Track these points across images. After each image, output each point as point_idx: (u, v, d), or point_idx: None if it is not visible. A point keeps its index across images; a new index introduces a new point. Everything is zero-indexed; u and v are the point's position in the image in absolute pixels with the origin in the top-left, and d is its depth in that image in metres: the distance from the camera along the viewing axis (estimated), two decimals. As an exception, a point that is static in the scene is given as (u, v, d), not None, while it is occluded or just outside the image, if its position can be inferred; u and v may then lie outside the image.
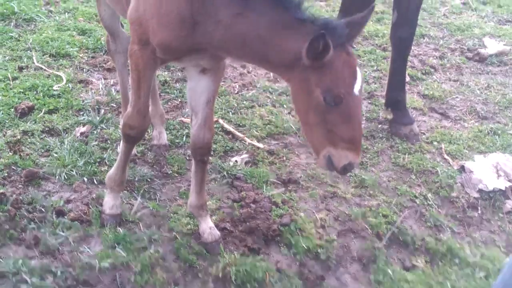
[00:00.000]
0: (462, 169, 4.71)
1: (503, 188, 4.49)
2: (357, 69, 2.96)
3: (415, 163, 4.75)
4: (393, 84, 5.19)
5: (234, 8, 2.98)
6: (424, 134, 5.20)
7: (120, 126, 4.44)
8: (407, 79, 5.97)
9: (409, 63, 6.29)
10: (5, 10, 5.91)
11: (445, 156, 4.91)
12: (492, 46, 6.73)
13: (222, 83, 5.47)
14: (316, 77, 2.94)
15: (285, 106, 5.31)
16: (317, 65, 2.91)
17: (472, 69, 6.42)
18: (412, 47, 6.63)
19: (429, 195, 4.44)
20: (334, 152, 3.03)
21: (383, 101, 5.56)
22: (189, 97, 3.68)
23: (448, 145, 5.04)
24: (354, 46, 6.46)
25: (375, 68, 6.16)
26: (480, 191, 4.51)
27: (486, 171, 4.61)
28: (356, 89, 2.94)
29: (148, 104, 3.71)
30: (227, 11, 2.99)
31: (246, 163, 4.55)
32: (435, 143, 5.07)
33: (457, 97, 5.81)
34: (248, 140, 4.77)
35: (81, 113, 4.75)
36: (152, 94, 4.43)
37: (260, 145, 4.75)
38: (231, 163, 4.48)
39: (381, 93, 5.73)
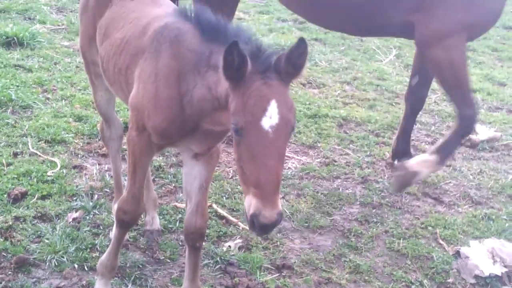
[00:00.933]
0: (457, 254, 4.67)
1: (499, 274, 4.44)
2: (272, 102, 2.70)
3: (410, 248, 4.72)
4: (403, 138, 5.89)
5: (202, 69, 3.05)
6: (418, 219, 5.18)
7: (113, 211, 4.45)
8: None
9: (401, 149, 6.37)
10: (2, 97, 6.00)
11: (440, 241, 4.88)
12: (483, 132, 6.82)
13: (217, 168, 5.49)
14: (232, 102, 2.81)
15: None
16: (236, 87, 2.77)
17: (464, 155, 6.48)
18: (404, 133, 6.75)
19: (425, 281, 4.38)
20: (246, 200, 2.75)
21: (377, 186, 5.60)
22: (184, 182, 3.72)
23: (442, 230, 5.02)
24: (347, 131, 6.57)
25: (368, 153, 6.22)
26: (476, 277, 4.45)
27: (482, 256, 4.57)
28: (266, 123, 2.69)
29: (143, 190, 3.73)
30: (199, 74, 3.06)
31: (239, 248, 4.50)
32: (429, 228, 5.05)
33: (450, 182, 5.84)
34: (241, 225, 4.74)
35: (74, 198, 4.74)
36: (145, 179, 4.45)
37: (254, 231, 4.71)
38: (224, 249, 4.44)
39: (374, 177, 5.76)
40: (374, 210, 5.22)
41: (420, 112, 7.31)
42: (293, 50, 2.76)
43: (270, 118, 2.69)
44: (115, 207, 4.42)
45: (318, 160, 5.98)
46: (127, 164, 5.14)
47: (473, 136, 6.78)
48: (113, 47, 3.70)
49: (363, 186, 5.61)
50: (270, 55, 2.83)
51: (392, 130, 6.80)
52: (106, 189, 4.92)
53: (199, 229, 3.65)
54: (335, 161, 5.99)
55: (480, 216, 5.27)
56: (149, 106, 3.25)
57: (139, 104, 3.31)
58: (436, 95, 8.07)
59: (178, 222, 4.64)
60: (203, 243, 3.90)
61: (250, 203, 2.71)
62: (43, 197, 4.68)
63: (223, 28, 3.08)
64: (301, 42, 2.75)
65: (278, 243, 4.62)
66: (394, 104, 7.61)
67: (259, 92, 2.72)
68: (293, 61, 2.78)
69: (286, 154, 5.98)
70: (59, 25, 8.56)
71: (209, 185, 3.73)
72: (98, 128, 4.78)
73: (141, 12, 3.72)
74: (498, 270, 4.46)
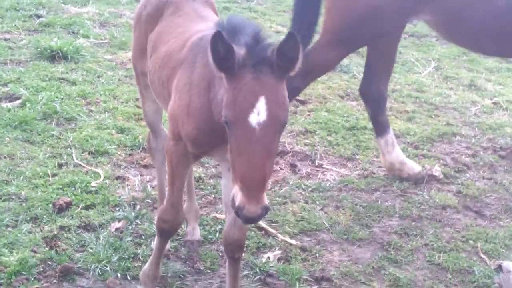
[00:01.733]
0: (499, 268, 4.60)
1: (543, 289, 4.37)
2: (261, 99, 2.74)
3: (451, 261, 4.68)
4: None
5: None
6: (459, 232, 5.13)
7: (155, 221, 4.53)
8: (441, 176, 5.96)
9: (441, 161, 6.33)
10: (47, 110, 6.17)
11: (482, 255, 4.82)
12: (525, 144, 6.73)
13: (255, 180, 5.54)
14: (225, 94, 2.87)
15: (317, 202, 5.34)
16: (229, 79, 2.82)
17: (505, 168, 6.38)
18: (444, 145, 6.72)
19: (467, 295, 4.34)
20: (234, 188, 2.84)
21: (417, 198, 5.57)
22: (223, 193, 3.79)
23: (484, 243, 4.96)
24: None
25: (407, 166, 6.17)
26: (519, 291, 4.38)
27: (524, 271, 4.50)
28: (253, 120, 2.73)
29: (182, 199, 3.80)
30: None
31: (278, 259, 4.53)
32: (470, 241, 5.00)
33: (491, 195, 5.76)
34: (280, 237, 4.78)
35: (117, 208, 4.84)
36: (188, 190, 4.55)
37: (293, 242, 4.74)
38: (264, 260, 4.47)
39: (414, 190, 5.73)
40: (413, 223, 5.19)
41: (460, 124, 7.30)
42: (283, 43, 2.76)
43: (258, 115, 2.73)
44: (157, 217, 4.52)
45: (357, 172, 5.98)
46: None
47: (514, 148, 6.70)
48: (159, 60, 3.80)
49: (402, 199, 5.58)
50: (264, 47, 2.85)
51: (432, 143, 6.76)
52: (148, 200, 5.01)
53: (237, 240, 3.70)
54: (374, 173, 5.98)
55: (523, 230, 5.19)
56: (182, 114, 3.34)
57: (175, 114, 3.41)
58: (476, 107, 7.99)
59: (218, 232, 4.69)
60: (243, 254, 3.94)
61: (236, 194, 2.79)
62: (87, 207, 4.79)
63: (240, 29, 3.07)
64: (291, 36, 2.74)
65: (317, 255, 4.63)
66: (433, 116, 7.55)
67: (249, 87, 2.76)
68: (284, 55, 2.79)
69: (325, 165, 6.01)
70: (101, 39, 8.75)
71: None
72: (145, 139, 4.87)
73: (186, 27, 3.83)
74: (542, 285, 4.40)
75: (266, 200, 2.80)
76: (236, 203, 2.79)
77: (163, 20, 4.08)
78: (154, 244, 4.26)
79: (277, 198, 5.32)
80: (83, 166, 5.36)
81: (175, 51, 3.66)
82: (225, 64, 2.80)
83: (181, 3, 4.07)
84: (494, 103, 8.28)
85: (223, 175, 3.80)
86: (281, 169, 5.89)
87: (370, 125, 6.94)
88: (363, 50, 9.88)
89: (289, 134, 6.55)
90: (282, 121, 2.82)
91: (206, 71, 3.24)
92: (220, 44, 2.75)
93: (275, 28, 10.65)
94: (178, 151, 3.50)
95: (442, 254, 4.77)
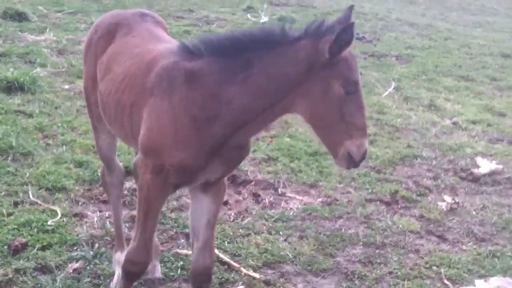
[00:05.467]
0: (463, 295, 4.62)
1: (507, 315, 4.38)
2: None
3: (415, 289, 4.67)
4: None
5: (239, 76, 3.19)
6: (422, 258, 5.13)
7: (114, 261, 4.41)
8: (402, 202, 5.97)
9: (403, 185, 6.34)
10: (3, 145, 6.00)
11: (445, 281, 4.82)
12: (484, 166, 6.80)
13: (218, 211, 5.48)
14: (334, 72, 3.14)
15: (281, 233, 5.28)
16: (334, 60, 3.12)
17: (466, 190, 6.44)
18: (406, 169, 6.75)
19: (431, 324, 4.32)
20: (352, 144, 3.21)
21: (380, 224, 5.56)
22: (191, 220, 3.72)
23: (447, 269, 4.96)
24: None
25: (370, 191, 6.19)
26: (483, 318, 4.39)
27: (487, 296, 4.51)
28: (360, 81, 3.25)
29: (153, 238, 3.70)
30: (235, 83, 3.19)
31: (242, 295, 4.47)
32: (434, 267, 4.99)
33: (453, 219, 5.79)
34: (244, 270, 4.69)
35: (75, 248, 4.69)
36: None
37: (256, 275, 4.67)
38: (227, 296, 4.40)
39: (377, 216, 5.72)
40: (377, 251, 5.16)
41: (421, 146, 7.35)
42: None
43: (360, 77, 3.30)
44: (115, 256, 4.40)
45: (320, 199, 5.95)
46: (128, 211, 5.15)
47: (474, 170, 6.76)
48: (115, 82, 3.69)
49: (366, 226, 5.56)
50: (337, 26, 3.21)
51: (393, 166, 6.78)
52: (107, 237, 4.88)
53: (207, 268, 3.66)
54: (337, 200, 5.95)
55: (485, 254, 5.21)
56: (168, 143, 3.26)
57: (156, 144, 3.30)
58: (436, 128, 8.07)
59: (179, 269, 4.59)
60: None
61: (362, 143, 3.23)
62: (43, 248, 4.63)
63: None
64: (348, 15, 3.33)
65: (281, 288, 4.58)
66: (394, 138, 7.60)
67: (353, 55, 3.24)
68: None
69: (288, 194, 6.01)
70: (59, 68, 8.62)
71: (216, 222, 3.75)
72: (99, 174, 4.76)
73: (144, 47, 3.75)
74: (505, 310, 4.41)
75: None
76: (364, 149, 3.25)
77: (115, 42, 3.99)
78: (112, 284, 4.17)
79: (240, 230, 5.25)
80: (40, 204, 5.20)
81: (138, 75, 3.55)
82: (339, 51, 3.12)
83: (133, 24, 4.01)
84: (454, 123, 8.38)
85: (192, 200, 3.73)
86: (244, 199, 5.83)
87: (332, 150, 6.94)
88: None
89: (251, 162, 6.50)
90: None
91: (195, 92, 3.25)
92: (350, 33, 3.09)
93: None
94: (158, 185, 3.37)
95: (406, 282, 4.76)
